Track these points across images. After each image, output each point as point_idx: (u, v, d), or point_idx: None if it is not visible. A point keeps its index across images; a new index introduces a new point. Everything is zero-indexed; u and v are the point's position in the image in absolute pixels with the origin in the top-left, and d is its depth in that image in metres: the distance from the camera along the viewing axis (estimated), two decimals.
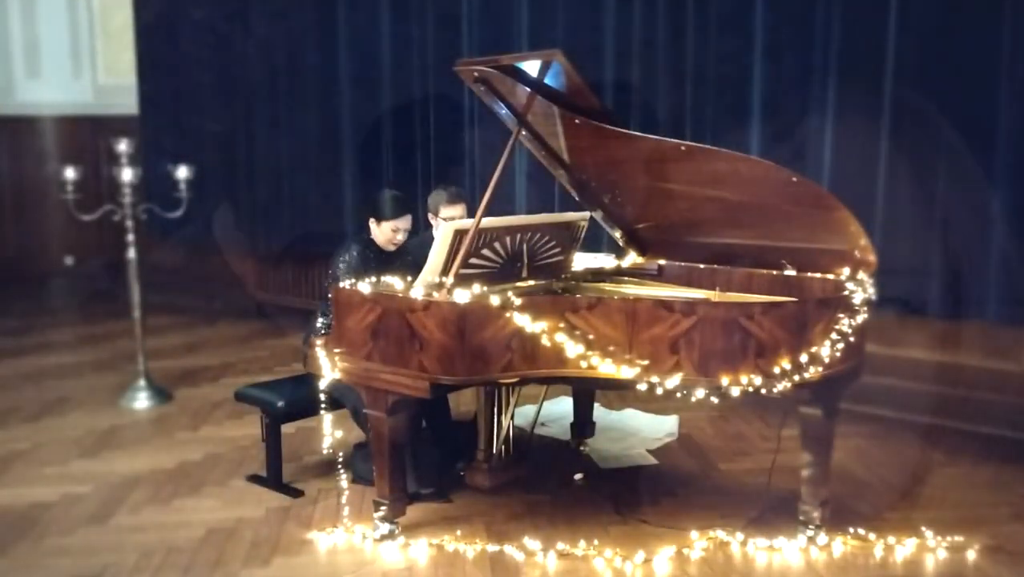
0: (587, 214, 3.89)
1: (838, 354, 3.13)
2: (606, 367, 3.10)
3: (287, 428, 4.08)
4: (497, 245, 3.48)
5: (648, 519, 3.60)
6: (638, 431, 4.66)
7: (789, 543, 3.35)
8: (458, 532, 3.51)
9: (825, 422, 3.31)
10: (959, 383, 4.69)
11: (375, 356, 3.29)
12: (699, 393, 3.08)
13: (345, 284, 3.40)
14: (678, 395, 3.11)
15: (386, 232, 3.90)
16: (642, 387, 3.09)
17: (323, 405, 3.55)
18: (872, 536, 3.42)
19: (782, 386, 3.05)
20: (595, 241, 4.52)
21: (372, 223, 3.92)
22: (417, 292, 3.23)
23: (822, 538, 3.36)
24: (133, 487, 4.01)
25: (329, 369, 3.46)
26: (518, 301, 3.12)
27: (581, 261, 4.05)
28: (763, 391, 3.05)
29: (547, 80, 3.44)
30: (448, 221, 3.96)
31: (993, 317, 4.54)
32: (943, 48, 4.47)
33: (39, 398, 5.40)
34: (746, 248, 3.72)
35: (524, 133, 3.69)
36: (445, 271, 3.32)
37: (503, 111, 3.70)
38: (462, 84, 3.76)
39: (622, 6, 5.43)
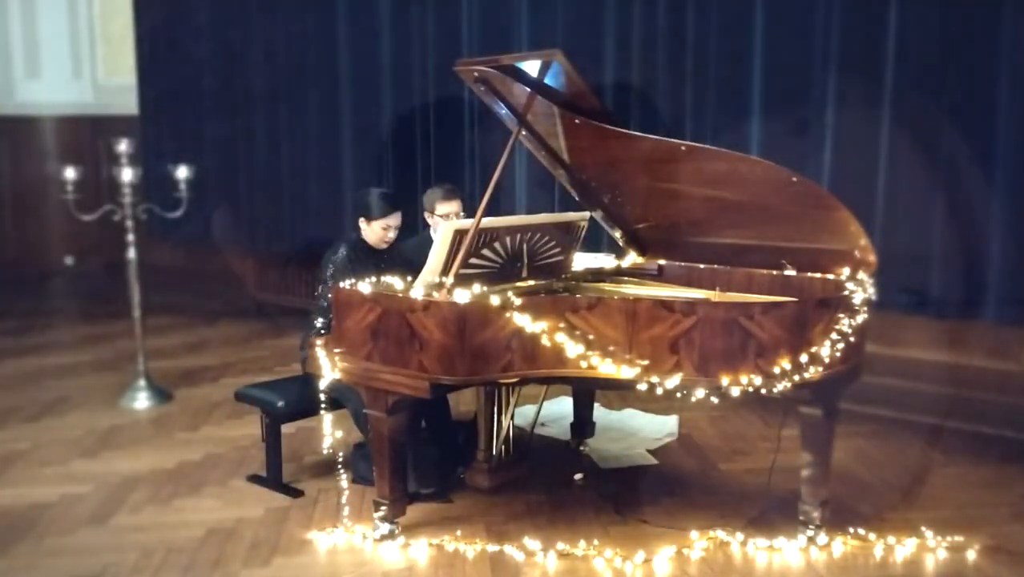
0: (587, 214, 3.89)
1: (838, 354, 3.13)
2: (606, 367, 3.10)
3: (287, 428, 4.08)
4: (497, 245, 3.48)
5: (648, 519, 3.60)
6: (638, 431, 4.66)
7: (789, 543, 3.35)
8: (458, 532, 3.51)
9: (825, 422, 3.31)
10: (959, 383, 4.69)
11: (375, 356, 3.29)
12: (699, 393, 3.08)
13: (345, 284, 3.40)
14: (678, 395, 3.11)
15: (377, 231, 3.91)
16: (642, 387, 3.09)
17: (323, 405, 3.55)
18: (872, 536, 3.42)
19: (782, 386, 3.05)
20: (595, 241, 4.52)
21: (362, 222, 3.93)
22: (417, 292, 3.23)
23: (822, 538, 3.36)
24: (133, 487, 4.01)
25: (329, 369, 3.46)
26: (518, 301, 3.12)
27: (581, 261, 4.05)
28: (763, 391, 3.05)
29: (547, 80, 3.45)
30: (444, 218, 3.98)
31: (993, 317, 4.54)
32: (943, 46, 4.47)
33: (39, 398, 5.40)
34: (746, 248, 3.72)
35: (524, 133, 3.69)
36: (445, 271, 3.32)
37: (503, 111, 3.70)
38: (462, 84, 3.76)
39: (622, 6, 5.43)
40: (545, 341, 3.12)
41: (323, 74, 7.08)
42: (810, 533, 3.36)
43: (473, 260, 3.40)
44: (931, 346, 4.80)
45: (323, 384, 3.51)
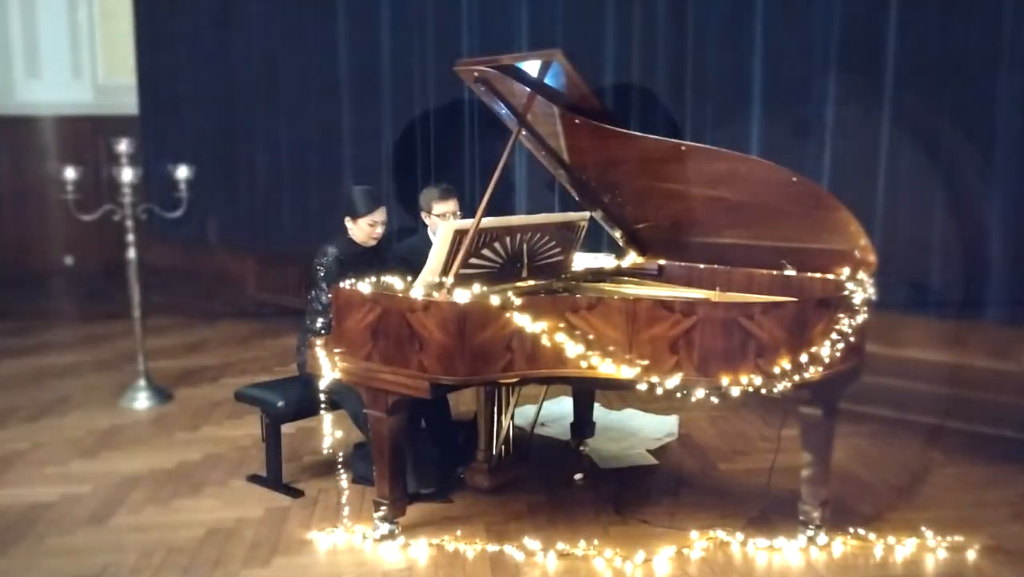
0: (587, 214, 3.89)
1: (838, 354, 3.13)
2: (606, 367, 3.10)
3: (287, 428, 4.08)
4: (497, 245, 3.48)
5: (648, 519, 3.60)
6: (638, 431, 4.66)
7: (789, 543, 3.35)
8: (458, 532, 3.51)
9: (825, 422, 3.31)
10: (959, 383, 4.69)
11: (375, 356, 3.29)
12: (699, 393, 3.08)
13: (345, 284, 3.40)
14: (678, 395, 3.11)
15: (363, 228, 3.91)
16: (642, 387, 3.09)
17: (323, 405, 3.55)
18: (872, 536, 3.42)
19: (782, 386, 3.04)
20: (595, 241, 4.52)
21: (348, 222, 3.94)
22: (417, 292, 3.23)
23: (822, 538, 3.36)
24: (133, 487, 4.01)
25: (329, 369, 3.46)
26: (518, 301, 3.12)
27: (581, 261, 4.05)
28: (763, 391, 3.05)
29: (547, 80, 3.44)
30: (441, 217, 3.98)
31: (993, 317, 4.55)
32: (943, 46, 4.47)
33: (39, 398, 5.40)
34: (746, 248, 3.72)
35: (524, 133, 3.69)
36: (445, 271, 3.32)
37: (503, 111, 3.70)
38: (462, 84, 3.77)
39: (622, 6, 5.43)
40: (545, 341, 3.12)
41: (323, 74, 7.08)
42: (810, 533, 3.36)
43: (473, 260, 3.40)
44: (931, 346, 4.80)
45: (323, 384, 3.51)
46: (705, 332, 3.02)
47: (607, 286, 3.87)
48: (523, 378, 3.27)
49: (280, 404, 3.88)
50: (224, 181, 7.90)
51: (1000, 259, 4.46)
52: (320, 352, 3.48)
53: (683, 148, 3.40)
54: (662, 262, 4.09)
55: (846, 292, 3.26)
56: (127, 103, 8.76)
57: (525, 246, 3.61)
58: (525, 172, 5.87)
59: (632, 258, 4.14)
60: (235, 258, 8.15)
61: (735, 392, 3.04)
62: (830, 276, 3.50)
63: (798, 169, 3.33)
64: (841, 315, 3.14)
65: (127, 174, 5.23)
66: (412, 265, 3.69)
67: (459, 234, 3.32)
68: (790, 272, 3.64)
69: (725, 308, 3.10)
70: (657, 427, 4.71)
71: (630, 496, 3.84)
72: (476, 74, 3.51)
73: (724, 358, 3.03)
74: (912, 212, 4.67)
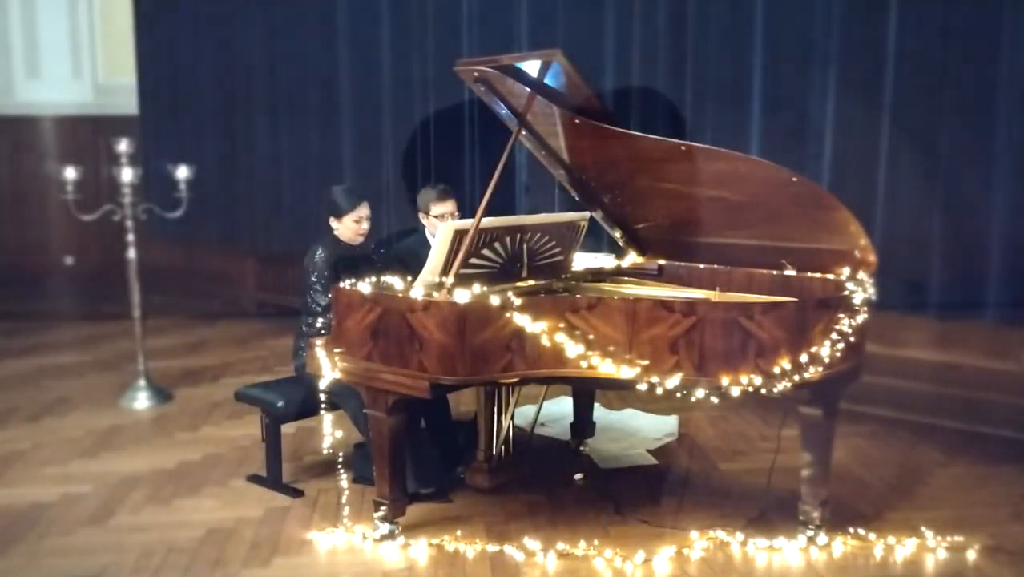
0: (587, 214, 3.89)
1: (838, 354, 3.13)
2: (606, 367, 3.10)
3: (287, 428, 4.08)
4: (497, 245, 3.48)
5: (648, 519, 3.60)
6: (638, 431, 4.66)
7: (789, 543, 3.35)
8: (458, 532, 3.51)
9: (825, 422, 3.31)
10: (959, 383, 4.69)
11: (375, 356, 3.29)
12: (699, 393, 3.08)
13: (345, 284, 3.40)
14: (678, 395, 3.11)
15: (349, 225, 3.93)
16: (642, 387, 3.09)
17: (323, 405, 3.55)
18: (872, 536, 3.42)
19: (782, 386, 3.05)
20: (595, 241, 4.52)
21: (333, 222, 3.96)
22: (417, 292, 3.23)
23: (822, 538, 3.36)
24: (133, 487, 4.01)
25: (329, 369, 3.46)
26: (518, 301, 3.13)
27: (581, 261, 4.05)
28: (763, 391, 3.05)
29: (547, 80, 3.44)
30: (439, 219, 3.98)
31: (993, 317, 4.55)
32: (943, 46, 4.47)
33: (39, 398, 5.40)
34: (746, 248, 3.72)
35: (524, 133, 3.69)
36: (445, 271, 3.32)
37: (503, 111, 3.70)
38: (462, 84, 3.77)
39: (622, 6, 5.43)
40: (545, 341, 3.12)
41: (323, 74, 7.08)
42: (810, 533, 3.37)
43: (473, 260, 3.40)
44: (931, 346, 4.80)
45: (323, 384, 3.51)
46: (705, 332, 3.02)
47: (607, 286, 3.87)
48: (523, 378, 3.27)
49: (280, 404, 3.88)
50: (224, 181, 7.90)
51: (1000, 259, 4.46)
52: (320, 352, 3.48)
53: (683, 148, 3.40)
54: (662, 262, 4.09)
55: (846, 292, 3.27)
56: (127, 103, 8.75)
57: (525, 246, 3.61)
58: (525, 172, 5.87)
59: (632, 258, 4.14)
60: (235, 258, 8.15)
61: (735, 392, 3.04)
62: (830, 276, 3.50)
63: (798, 169, 3.33)
64: (841, 315, 3.14)
65: (127, 174, 5.23)
66: (410, 266, 3.69)
67: (459, 234, 3.32)
68: (790, 272, 3.64)
69: (725, 308, 3.10)
70: (657, 427, 4.71)
71: (630, 496, 3.84)
72: (476, 74, 3.51)
73: (724, 358, 3.03)
74: (912, 212, 4.67)
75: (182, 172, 5.35)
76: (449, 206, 4.05)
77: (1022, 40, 4.28)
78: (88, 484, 4.04)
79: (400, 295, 3.25)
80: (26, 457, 4.41)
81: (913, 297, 4.68)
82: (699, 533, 3.44)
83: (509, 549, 3.36)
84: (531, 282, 3.67)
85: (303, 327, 3.94)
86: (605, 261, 4.17)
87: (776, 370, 3.03)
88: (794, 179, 3.26)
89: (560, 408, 4.86)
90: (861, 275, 3.38)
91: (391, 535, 3.45)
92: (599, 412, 4.71)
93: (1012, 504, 3.76)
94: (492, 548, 3.38)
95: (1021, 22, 4.28)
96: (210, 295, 8.21)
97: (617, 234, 4.11)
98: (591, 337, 3.13)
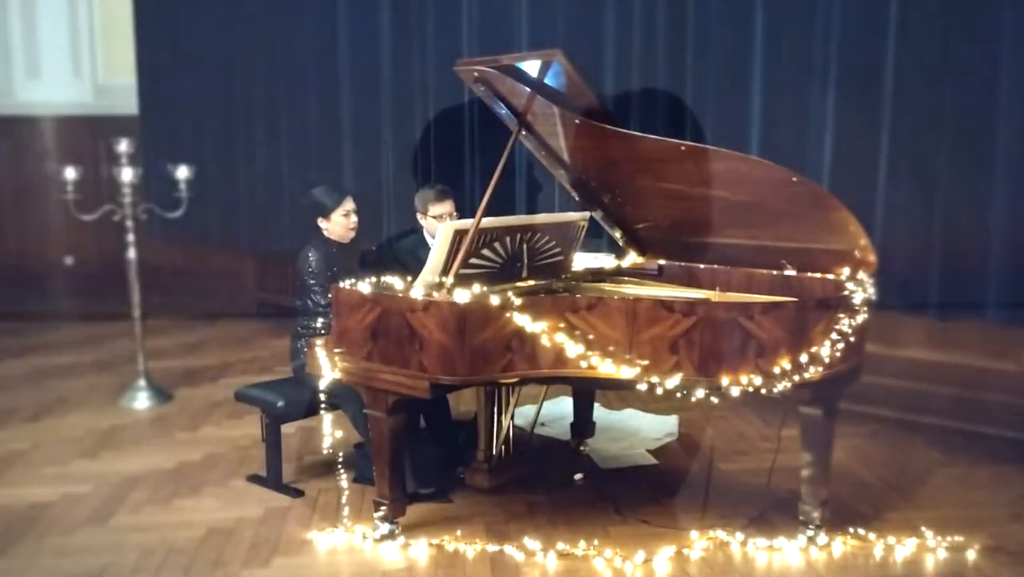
0: (587, 214, 3.89)
1: (838, 354, 3.13)
2: (606, 367, 3.10)
3: (287, 428, 4.08)
4: (497, 245, 3.48)
5: (648, 519, 3.60)
6: (638, 431, 4.66)
7: (789, 543, 3.35)
8: (458, 532, 3.51)
9: (825, 422, 3.31)
10: (959, 383, 4.69)
11: (375, 356, 3.29)
12: (699, 393, 3.08)
13: (345, 284, 3.40)
14: (678, 395, 3.11)
15: (339, 221, 3.94)
16: (642, 387, 3.09)
17: (323, 405, 3.55)
18: (872, 536, 3.42)
19: (782, 386, 3.05)
20: (595, 241, 4.52)
21: (322, 222, 3.97)
22: (417, 292, 3.23)
23: (822, 538, 3.36)
24: (133, 487, 4.01)
25: (329, 369, 3.46)
26: (518, 301, 3.13)
27: (581, 261, 4.05)
28: (763, 391, 3.05)
29: (547, 80, 3.44)
30: (438, 219, 3.97)
31: (993, 317, 4.55)
32: (943, 46, 4.47)
33: (39, 398, 5.40)
34: (746, 248, 3.72)
35: (524, 133, 3.69)
36: (445, 271, 3.32)
37: (503, 111, 3.70)
38: (462, 84, 3.77)
39: (622, 6, 5.43)
40: (545, 341, 3.13)
41: (323, 74, 7.08)
42: (810, 533, 3.37)
43: (473, 260, 3.40)
44: (931, 346, 4.80)
45: (323, 384, 3.51)
46: (705, 332, 3.02)
47: (607, 286, 3.87)
48: (523, 378, 3.27)
49: (280, 404, 3.88)
50: (224, 181, 7.89)
51: (1000, 259, 4.46)
52: (320, 352, 3.48)
53: (683, 148, 3.39)
54: (662, 262, 4.09)
55: (846, 292, 3.27)
56: (127, 103, 8.75)
57: (525, 246, 3.61)
58: (525, 172, 5.87)
59: (632, 258, 4.14)
60: (235, 258, 8.14)
61: (735, 392, 3.04)
62: (830, 276, 3.50)
63: (798, 169, 3.33)
64: (841, 315, 3.14)
65: (127, 174, 5.22)
66: (408, 267, 3.69)
67: (459, 234, 3.32)
68: (790, 272, 3.64)
69: (725, 308, 3.10)
70: (657, 427, 4.71)
71: (630, 496, 3.84)
72: (476, 74, 3.51)
73: (724, 358, 3.03)
74: (912, 211, 4.67)
75: (182, 172, 5.35)
76: (447, 207, 4.05)
77: (1022, 40, 4.28)
78: (88, 484, 4.04)
79: (400, 295, 3.25)
80: (26, 457, 4.41)
81: (913, 297, 4.68)
82: (699, 533, 3.44)
83: (509, 549, 3.36)
84: (531, 282, 3.67)
85: (299, 328, 3.95)
86: (605, 261, 4.17)
87: (776, 370, 3.03)
88: (794, 179, 3.26)
89: (560, 408, 4.86)
90: (861, 275, 3.38)
91: (391, 535, 3.45)
92: (599, 412, 4.71)
93: (1012, 504, 3.76)
94: (492, 548, 3.38)
95: (1021, 22, 4.28)
96: (210, 295, 8.21)
97: (617, 234, 4.11)
98: (591, 337, 3.13)
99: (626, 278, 4.02)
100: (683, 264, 4.01)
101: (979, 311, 4.57)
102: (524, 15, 5.81)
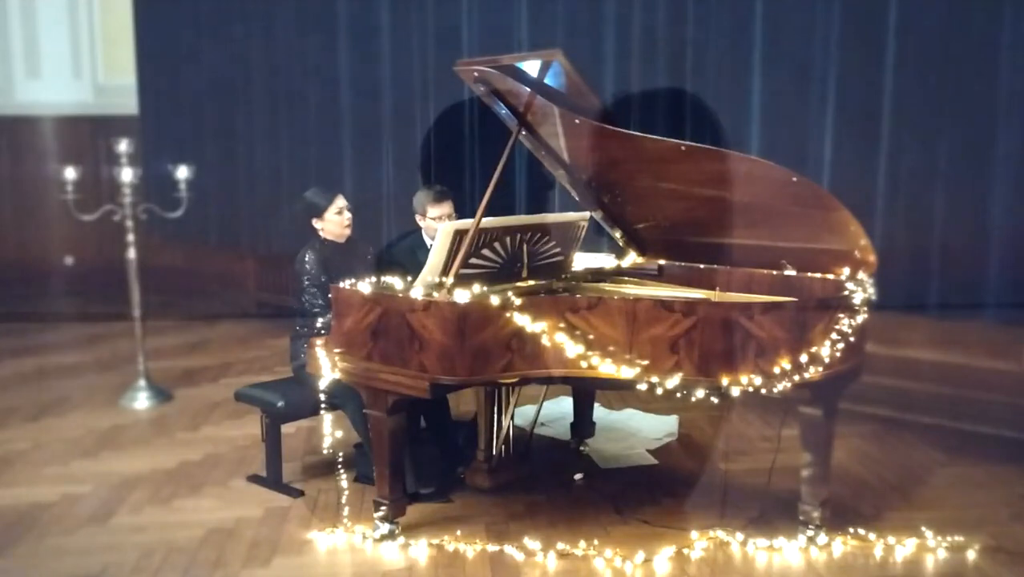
0: (587, 214, 3.89)
1: (838, 354, 3.13)
2: (606, 367, 3.10)
3: (287, 428, 4.08)
4: (497, 245, 3.48)
5: (648, 519, 3.60)
6: (638, 431, 4.66)
7: (789, 543, 3.35)
8: (458, 532, 3.51)
9: (825, 422, 3.31)
10: (959, 383, 4.69)
11: (375, 356, 3.29)
12: (699, 393, 3.08)
13: (345, 284, 3.40)
14: (678, 395, 3.11)
15: (333, 219, 3.94)
16: (642, 387, 3.09)
17: (323, 405, 3.55)
18: (872, 536, 3.42)
19: (782, 386, 3.05)
20: (595, 241, 4.51)
21: (316, 223, 3.97)
22: (417, 292, 3.23)
23: (822, 538, 3.36)
24: (133, 487, 4.01)
25: (329, 369, 3.46)
26: (518, 301, 3.12)
27: (581, 261, 4.05)
28: (763, 391, 3.05)
29: (547, 80, 3.44)
30: (436, 220, 3.97)
31: (993, 317, 4.55)
32: (943, 46, 4.47)
33: (39, 398, 5.40)
34: (746, 248, 3.72)
35: (524, 133, 3.69)
36: (445, 271, 3.32)
37: (503, 111, 3.70)
38: (462, 84, 3.77)
39: (622, 6, 5.43)
40: (545, 341, 3.13)
41: (323, 73, 7.08)
42: (810, 533, 3.36)
43: (473, 260, 3.40)
44: (931, 346, 4.80)
45: (323, 384, 3.51)
46: (705, 332, 3.02)
47: (607, 286, 3.87)
48: (523, 378, 3.26)
49: (280, 404, 3.88)
50: (224, 181, 7.90)
51: (1000, 259, 4.46)
52: (320, 352, 3.48)
53: (683, 148, 3.39)
54: (662, 262, 4.09)
55: (846, 292, 3.27)
56: (127, 103, 8.76)
57: (525, 246, 3.61)
58: (525, 172, 5.87)
59: (632, 258, 4.13)
60: (235, 258, 8.15)
61: (735, 392, 3.04)
62: (830, 276, 3.50)
63: (798, 169, 3.33)
64: (841, 315, 3.14)
65: (127, 174, 5.23)
66: (406, 268, 3.69)
67: (459, 234, 3.32)
68: (790, 272, 3.64)
69: (725, 308, 3.10)
70: (657, 427, 4.71)
71: (630, 496, 3.84)
72: (476, 74, 3.51)
73: (724, 358, 3.03)
74: (912, 212, 4.67)
75: (182, 172, 5.35)
76: (446, 208, 4.05)
77: (1022, 40, 4.28)
78: (88, 484, 4.04)
79: (400, 295, 3.25)
80: (26, 457, 4.41)
81: (913, 297, 4.68)
82: (699, 533, 3.44)
83: (509, 549, 3.36)
84: (531, 282, 3.67)
85: (298, 328, 3.95)
86: (605, 261, 4.17)
87: (776, 370, 3.03)
88: (794, 179, 3.26)
89: (560, 408, 4.86)
90: (861, 275, 3.38)
91: (391, 535, 3.45)
92: (599, 412, 4.71)
93: (1012, 504, 3.76)
94: (492, 548, 3.38)
95: (1022, 22, 4.28)
96: (210, 295, 8.21)
97: (617, 234, 4.11)
98: (591, 337, 3.13)
99: (626, 278, 4.02)
100: (683, 264, 4.01)
101: (979, 311, 4.57)
102: (524, 15, 5.81)
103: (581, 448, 4.39)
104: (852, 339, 3.17)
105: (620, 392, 5.08)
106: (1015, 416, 4.52)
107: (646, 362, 3.07)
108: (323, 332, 3.73)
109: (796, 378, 3.05)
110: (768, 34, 4.93)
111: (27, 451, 4.49)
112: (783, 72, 4.92)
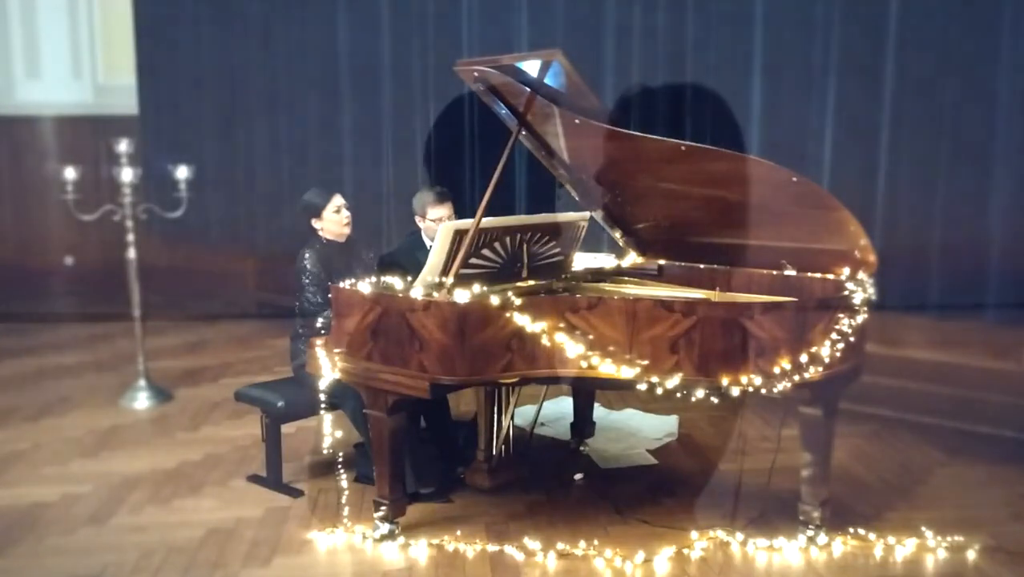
0: (587, 214, 3.89)
1: (838, 354, 3.13)
2: (606, 367, 3.10)
3: (287, 428, 4.08)
4: (497, 245, 3.48)
5: (648, 519, 3.60)
6: (638, 431, 4.66)
7: (789, 543, 3.35)
8: (458, 532, 3.51)
9: (825, 422, 3.31)
10: (959, 383, 4.69)
11: (375, 356, 3.29)
12: (699, 393, 3.08)
13: (345, 284, 3.40)
14: (678, 395, 3.11)
15: (332, 219, 3.94)
16: (642, 387, 3.09)
17: (323, 405, 3.55)
18: (872, 536, 3.42)
19: (782, 386, 3.05)
20: (595, 241, 4.52)
21: (315, 223, 3.98)
22: (417, 292, 3.23)
23: (822, 538, 3.36)
24: (133, 487, 4.01)
25: (329, 369, 3.46)
26: (518, 301, 3.12)
27: (581, 261, 4.05)
28: (763, 391, 3.05)
29: (547, 80, 3.44)
30: (436, 222, 3.97)
31: (993, 317, 4.55)
32: (944, 46, 4.48)
33: (39, 398, 5.40)
34: (746, 248, 3.72)
35: (524, 133, 3.69)
36: (445, 271, 3.32)
37: (503, 111, 3.70)
38: (462, 84, 3.77)
39: (622, 6, 5.43)
40: (545, 341, 3.12)
41: (323, 74, 7.08)
42: (810, 533, 3.36)
43: (473, 260, 3.40)
44: (931, 346, 4.80)
45: (323, 384, 3.51)
46: (705, 332, 3.02)
47: (607, 286, 3.87)
48: (523, 378, 3.26)
49: (280, 404, 3.87)
50: (224, 181, 7.90)
51: (1000, 259, 4.46)
52: (320, 352, 3.48)
53: (683, 148, 3.39)
54: (662, 262, 4.09)
55: (846, 292, 3.27)
56: (127, 103, 8.75)
57: (525, 246, 3.61)
58: (525, 172, 5.87)
59: (632, 258, 4.13)
60: (235, 258, 8.15)
61: (735, 392, 3.04)
62: (830, 276, 3.50)
63: (798, 169, 3.33)
64: (841, 315, 3.14)
65: (127, 174, 5.22)
66: (406, 268, 3.69)
67: (459, 234, 3.32)
68: (790, 272, 3.64)
69: (725, 308, 3.10)
70: (657, 427, 4.71)
71: (630, 496, 3.84)
72: (476, 74, 3.51)
73: (724, 358, 3.03)
74: (912, 212, 4.68)
75: (182, 172, 5.35)
76: (446, 209, 4.04)
77: (1022, 40, 4.28)
78: (88, 484, 4.04)
79: (400, 295, 3.25)
80: (26, 457, 4.41)
81: (913, 297, 4.68)
82: (699, 533, 3.44)
83: (509, 549, 3.36)
84: (531, 282, 3.67)
85: (298, 328, 3.95)
86: (605, 261, 4.17)
87: (776, 370, 3.03)
88: (794, 179, 3.26)
89: (560, 408, 4.86)
90: (861, 275, 3.38)
91: (391, 535, 3.45)
92: (599, 412, 4.71)
93: (1012, 504, 3.76)
94: (492, 548, 3.38)
95: (1022, 22, 4.28)
96: (210, 295, 8.21)
97: (617, 234, 4.11)
98: (591, 337, 3.13)
99: (626, 278, 4.02)
100: (683, 264, 4.01)
101: (979, 311, 4.58)
102: (524, 15, 5.82)
103: (581, 448, 4.39)
104: (852, 339, 3.17)
105: (620, 392, 5.09)
106: (1015, 416, 4.52)
107: (646, 362, 3.07)
108: (323, 332, 3.73)
109: (796, 378, 3.05)
110: (768, 34, 4.93)
111: (27, 451, 4.49)
112: (783, 72, 4.92)
